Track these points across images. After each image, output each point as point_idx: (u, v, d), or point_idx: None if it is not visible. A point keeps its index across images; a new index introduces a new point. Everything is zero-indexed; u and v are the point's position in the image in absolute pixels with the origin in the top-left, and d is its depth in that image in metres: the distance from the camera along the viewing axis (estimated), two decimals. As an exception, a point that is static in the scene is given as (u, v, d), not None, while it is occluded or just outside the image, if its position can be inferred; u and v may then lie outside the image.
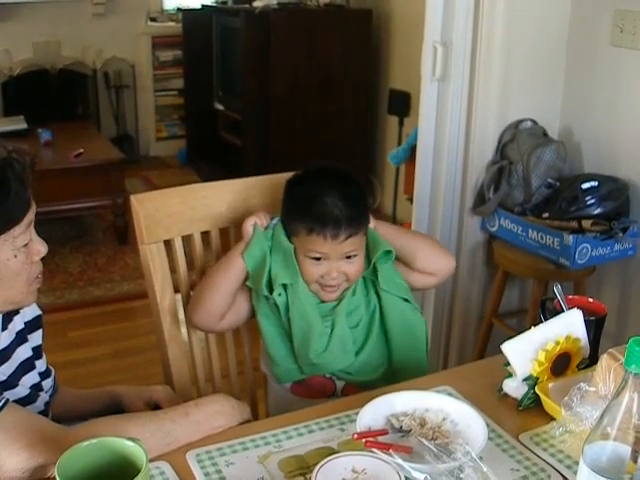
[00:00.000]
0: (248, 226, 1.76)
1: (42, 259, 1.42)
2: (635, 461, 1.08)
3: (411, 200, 3.30)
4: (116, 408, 1.68)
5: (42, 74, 6.40)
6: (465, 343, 3.22)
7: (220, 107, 6.03)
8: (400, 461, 1.22)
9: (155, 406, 1.65)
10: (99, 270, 4.69)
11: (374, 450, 1.27)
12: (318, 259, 1.71)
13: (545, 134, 3.01)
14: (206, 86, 6.18)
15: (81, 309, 4.19)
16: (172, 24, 7.00)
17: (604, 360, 1.39)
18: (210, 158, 6.26)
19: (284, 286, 1.73)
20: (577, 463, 1.27)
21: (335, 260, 1.71)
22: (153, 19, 7.00)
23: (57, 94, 6.43)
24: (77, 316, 4.10)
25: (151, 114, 7.16)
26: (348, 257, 1.72)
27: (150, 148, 7.20)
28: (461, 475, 1.23)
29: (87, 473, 1.14)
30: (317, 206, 1.68)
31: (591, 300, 1.70)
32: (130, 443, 1.14)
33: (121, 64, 6.86)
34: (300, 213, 1.71)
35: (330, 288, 1.74)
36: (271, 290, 1.73)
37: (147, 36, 6.97)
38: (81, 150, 4.94)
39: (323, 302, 1.76)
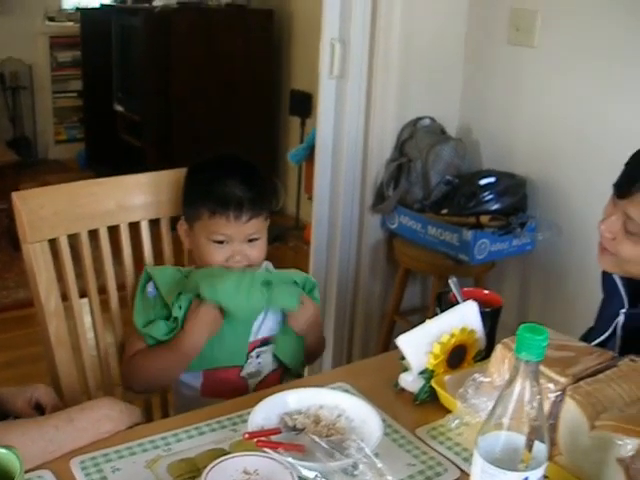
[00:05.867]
0: None
1: None
2: (530, 450, 1.06)
3: (312, 199, 3.27)
4: None
5: None
6: (368, 341, 3.21)
7: (120, 108, 5.91)
8: (291, 460, 1.18)
9: (36, 404, 1.57)
10: (-7, 276, 4.51)
11: (266, 450, 1.23)
12: (221, 242, 1.71)
13: (443, 131, 3.03)
14: (106, 87, 6.04)
15: (-26, 317, 4.02)
16: (71, 24, 6.84)
17: (498, 350, 1.38)
18: (110, 160, 6.12)
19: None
20: (473, 455, 1.26)
21: (238, 243, 1.72)
22: (51, 19, 6.84)
23: (-51, 95, 6.20)
24: (-30, 324, 3.94)
25: (49, 116, 6.97)
26: (250, 240, 1.74)
27: (49, 151, 7.01)
28: (355, 472, 1.20)
29: (-43, 485, 1.07)
30: (219, 188, 1.71)
31: (487, 292, 1.70)
32: (3, 450, 1.07)
33: (18, 65, 6.65)
34: (202, 196, 1.73)
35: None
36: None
37: (45, 36, 6.79)
38: (-27, 153, 4.76)
39: None
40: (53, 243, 1.75)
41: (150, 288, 1.76)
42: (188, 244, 1.82)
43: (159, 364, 1.70)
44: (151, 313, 1.72)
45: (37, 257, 1.70)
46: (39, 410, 1.56)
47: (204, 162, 1.83)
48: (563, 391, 1.25)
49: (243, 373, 1.78)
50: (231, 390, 1.72)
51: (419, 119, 3.00)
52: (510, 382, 1.05)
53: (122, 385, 1.79)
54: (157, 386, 1.75)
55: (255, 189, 1.74)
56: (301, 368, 1.87)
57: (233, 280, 1.67)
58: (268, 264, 1.85)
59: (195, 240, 1.76)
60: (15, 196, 1.68)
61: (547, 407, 1.23)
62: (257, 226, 1.74)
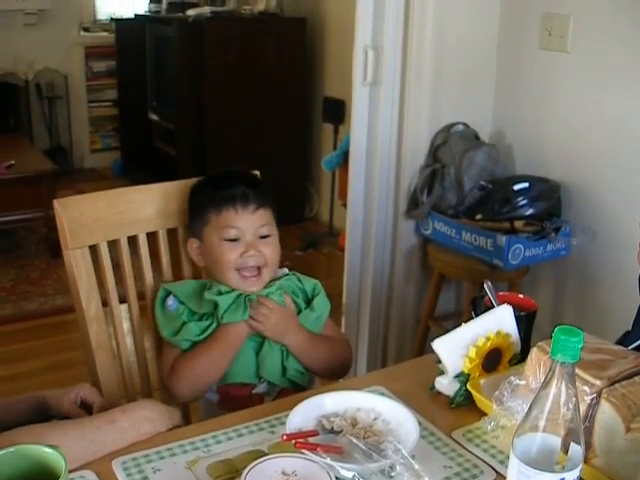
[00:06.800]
0: None
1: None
2: (566, 452, 1.07)
3: (346, 206, 3.30)
4: (43, 412, 1.62)
5: (-28, 85, 6.26)
6: (402, 347, 3.22)
7: (154, 117, 5.99)
8: (329, 460, 1.19)
9: (82, 403, 1.60)
10: (32, 284, 4.58)
11: (304, 451, 1.25)
12: (234, 240, 1.74)
13: (477, 137, 3.03)
14: (140, 96, 6.14)
15: (13, 323, 4.09)
16: (105, 34, 6.93)
17: (534, 353, 1.39)
18: (145, 169, 6.20)
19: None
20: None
21: (250, 237, 1.74)
22: (86, 29, 6.93)
23: (-13, 106, 6.30)
24: (9, 331, 4.01)
25: (85, 125, 7.06)
26: (262, 237, 1.76)
27: (84, 160, 7.09)
28: (392, 473, 1.22)
29: (5, 483, 1.10)
30: (223, 189, 1.76)
31: (521, 296, 1.70)
32: (48, 450, 1.09)
33: (53, 75, 6.75)
34: (207, 201, 1.77)
35: (251, 275, 1.75)
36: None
37: (80, 46, 6.87)
38: (12, 162, 4.83)
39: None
40: (93, 250, 1.79)
41: (170, 302, 1.78)
42: (202, 261, 1.84)
43: (205, 359, 1.71)
44: (177, 322, 1.74)
45: (78, 263, 1.73)
46: (86, 409, 1.58)
47: (203, 180, 1.86)
48: (598, 394, 1.25)
49: (255, 392, 1.80)
50: (247, 406, 1.73)
51: (452, 125, 3.01)
52: (546, 384, 1.06)
53: (167, 397, 1.79)
54: (204, 385, 1.75)
55: (257, 185, 1.80)
56: (302, 379, 1.83)
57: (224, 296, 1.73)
58: (289, 274, 1.86)
59: (208, 248, 1.78)
60: (56, 203, 1.71)
61: (583, 410, 1.24)
62: (265, 218, 1.77)
